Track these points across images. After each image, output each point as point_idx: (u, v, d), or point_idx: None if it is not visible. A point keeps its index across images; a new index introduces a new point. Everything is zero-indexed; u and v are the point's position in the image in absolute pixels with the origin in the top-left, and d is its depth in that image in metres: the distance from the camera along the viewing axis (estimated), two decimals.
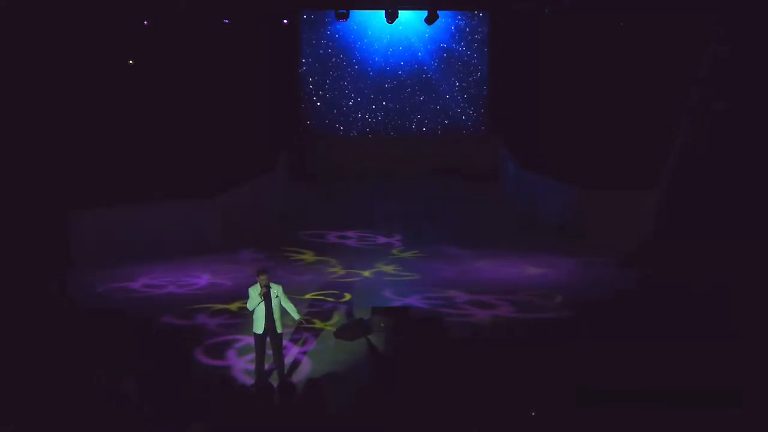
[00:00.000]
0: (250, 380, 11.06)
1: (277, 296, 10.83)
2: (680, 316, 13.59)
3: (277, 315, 10.85)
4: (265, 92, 24.59)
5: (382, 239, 19.95)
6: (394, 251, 18.81)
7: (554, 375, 10.85)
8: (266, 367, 11.12)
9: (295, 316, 11.16)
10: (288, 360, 11.94)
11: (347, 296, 15.21)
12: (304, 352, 12.33)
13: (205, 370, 11.45)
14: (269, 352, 11.02)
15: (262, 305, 10.77)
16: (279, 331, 10.94)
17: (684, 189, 17.53)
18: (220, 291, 15.44)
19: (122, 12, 20.39)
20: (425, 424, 8.89)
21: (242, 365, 11.71)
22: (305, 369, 11.68)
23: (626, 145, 19.65)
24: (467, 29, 26.95)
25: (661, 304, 14.45)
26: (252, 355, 12.14)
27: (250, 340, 12.57)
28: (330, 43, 26.91)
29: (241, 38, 23.18)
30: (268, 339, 10.94)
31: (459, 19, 26.84)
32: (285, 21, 24.56)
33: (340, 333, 12.89)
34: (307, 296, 15.06)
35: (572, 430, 9.00)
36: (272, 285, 10.86)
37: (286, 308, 10.97)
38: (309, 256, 18.31)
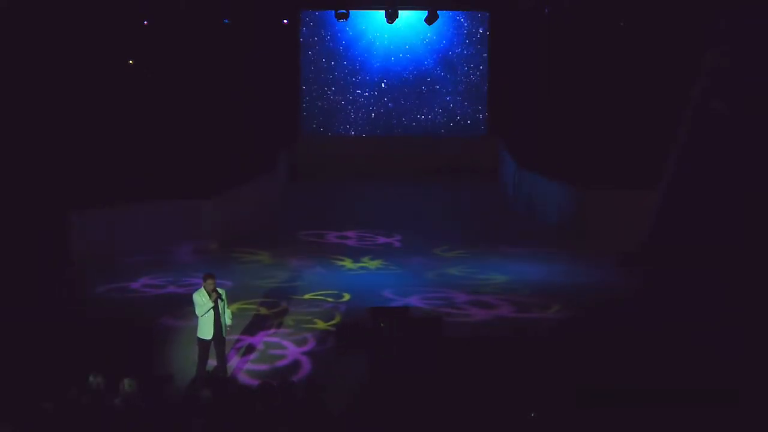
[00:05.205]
0: (250, 380, 11.07)
1: (223, 300, 10.64)
2: (680, 316, 13.57)
3: (224, 320, 10.65)
4: (265, 92, 24.57)
5: (382, 239, 19.94)
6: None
7: (554, 375, 10.85)
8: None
9: (228, 321, 10.83)
10: (288, 360, 11.94)
11: (346, 296, 15.20)
12: (304, 352, 12.34)
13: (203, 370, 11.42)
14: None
15: (212, 311, 10.57)
16: (225, 336, 10.75)
17: (684, 189, 17.51)
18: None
19: (122, 12, 20.37)
20: (425, 424, 8.89)
21: (242, 365, 11.71)
22: (305, 369, 11.68)
23: (626, 145, 19.63)
24: (467, 29, 26.93)
25: (661, 304, 14.44)
26: (252, 355, 12.18)
27: (251, 341, 12.64)
28: (330, 43, 26.88)
29: (241, 38, 23.16)
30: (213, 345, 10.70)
31: (459, 19, 26.83)
32: (285, 21, 24.53)
33: (340, 333, 12.88)
34: (307, 296, 15.04)
35: (572, 430, 9.00)
36: (218, 289, 10.67)
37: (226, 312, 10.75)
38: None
